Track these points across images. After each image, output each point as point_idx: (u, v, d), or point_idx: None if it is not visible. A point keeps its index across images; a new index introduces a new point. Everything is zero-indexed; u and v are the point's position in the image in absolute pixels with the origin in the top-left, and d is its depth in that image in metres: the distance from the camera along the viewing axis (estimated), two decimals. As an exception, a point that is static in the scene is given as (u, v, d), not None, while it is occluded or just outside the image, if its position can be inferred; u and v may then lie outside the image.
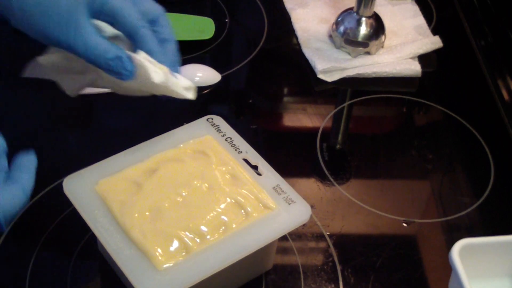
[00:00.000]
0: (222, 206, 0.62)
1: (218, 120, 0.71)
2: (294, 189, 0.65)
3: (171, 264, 0.58)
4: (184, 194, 0.63)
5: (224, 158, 0.67)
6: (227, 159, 0.67)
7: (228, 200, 0.63)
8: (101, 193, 0.63)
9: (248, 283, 0.68)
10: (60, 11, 0.61)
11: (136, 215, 0.61)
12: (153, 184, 0.63)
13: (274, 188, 0.65)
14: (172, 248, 0.59)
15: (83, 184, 0.63)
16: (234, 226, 0.61)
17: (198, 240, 0.60)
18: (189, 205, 0.62)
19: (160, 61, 0.65)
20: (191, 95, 0.68)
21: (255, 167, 0.67)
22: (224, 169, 0.66)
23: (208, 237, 0.60)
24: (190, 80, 0.89)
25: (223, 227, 0.61)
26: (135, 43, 0.65)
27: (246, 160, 0.67)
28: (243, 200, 0.63)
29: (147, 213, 0.61)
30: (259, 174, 0.66)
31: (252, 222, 0.61)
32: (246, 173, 0.66)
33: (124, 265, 0.57)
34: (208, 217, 0.61)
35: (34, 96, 0.85)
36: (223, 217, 0.61)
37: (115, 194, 0.62)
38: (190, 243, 0.59)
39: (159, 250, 0.58)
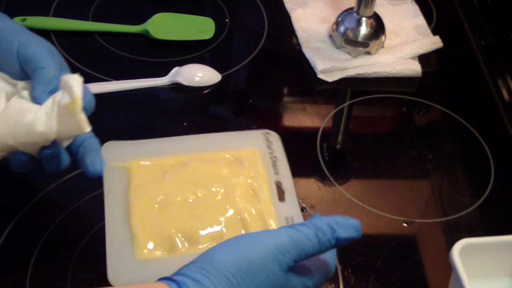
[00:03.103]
0: (227, 217, 0.61)
1: (274, 137, 0.69)
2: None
3: (150, 258, 0.58)
4: (199, 195, 0.63)
5: (256, 173, 0.66)
6: (259, 175, 0.66)
7: (234, 214, 0.62)
8: (131, 170, 0.64)
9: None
10: None
11: (145, 202, 0.61)
12: (176, 177, 0.64)
13: (286, 218, 0.63)
14: (160, 244, 0.59)
15: (119, 154, 0.64)
16: None
17: (187, 245, 0.59)
18: (197, 207, 0.62)
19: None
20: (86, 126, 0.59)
21: (282, 192, 0.65)
22: (250, 182, 0.65)
23: (200, 246, 0.59)
24: (190, 80, 0.90)
25: (219, 239, 0.60)
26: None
27: (278, 183, 0.66)
28: (248, 219, 0.62)
29: (156, 205, 0.61)
30: (283, 200, 0.65)
31: None
32: (268, 194, 0.64)
33: (110, 241, 0.58)
34: (208, 224, 0.61)
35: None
36: (223, 229, 0.61)
37: (141, 175, 0.63)
38: (179, 245, 0.59)
39: (148, 242, 0.59)
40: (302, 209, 0.75)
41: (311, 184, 0.80)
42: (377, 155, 0.87)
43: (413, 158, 0.86)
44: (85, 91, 0.60)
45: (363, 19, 0.94)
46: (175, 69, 0.90)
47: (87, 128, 0.58)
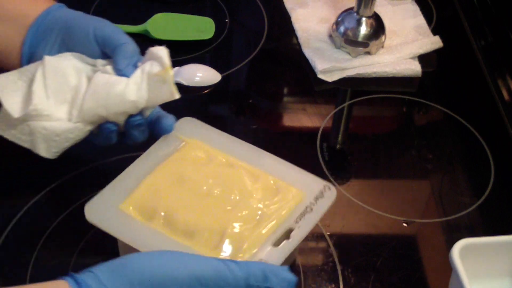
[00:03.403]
0: (212, 224, 0.61)
1: (330, 193, 0.65)
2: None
3: (129, 215, 0.61)
4: (215, 192, 0.63)
5: (278, 209, 0.63)
6: (279, 213, 0.63)
7: (221, 225, 0.61)
8: (186, 145, 0.66)
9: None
10: None
11: (169, 174, 0.64)
12: (212, 171, 0.65)
13: (260, 259, 0.60)
14: (142, 210, 0.61)
15: (187, 129, 0.67)
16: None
17: (162, 223, 0.61)
18: (201, 201, 0.62)
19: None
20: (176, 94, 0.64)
21: (282, 239, 0.61)
22: (265, 211, 0.63)
23: (174, 236, 0.60)
24: (190, 80, 0.90)
25: (189, 238, 0.60)
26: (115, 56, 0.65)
27: (288, 230, 0.62)
28: (226, 237, 0.60)
29: (173, 180, 0.63)
30: (277, 245, 0.61)
31: None
32: (268, 232, 0.61)
33: (115, 182, 0.63)
34: (194, 220, 0.61)
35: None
36: (201, 232, 0.60)
37: (190, 153, 0.66)
38: (156, 221, 0.61)
39: (138, 204, 0.61)
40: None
41: (311, 184, 0.80)
42: (377, 155, 0.87)
43: (413, 158, 0.86)
44: None
45: (363, 19, 0.94)
46: (175, 69, 0.90)
47: (178, 94, 0.63)
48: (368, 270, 0.71)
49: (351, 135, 0.90)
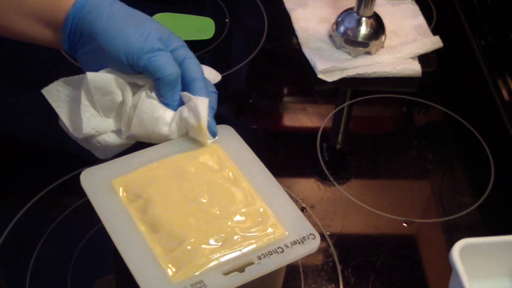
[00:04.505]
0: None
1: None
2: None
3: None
4: (203, 201, 0.62)
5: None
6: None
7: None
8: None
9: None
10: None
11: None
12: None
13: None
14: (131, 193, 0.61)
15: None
16: None
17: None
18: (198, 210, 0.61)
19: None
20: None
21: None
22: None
23: (154, 232, 0.59)
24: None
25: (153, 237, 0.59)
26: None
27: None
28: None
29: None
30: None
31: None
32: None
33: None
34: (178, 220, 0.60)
35: (37, 96, 0.85)
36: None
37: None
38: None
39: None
40: (302, 209, 0.76)
41: (311, 184, 0.80)
42: (377, 155, 0.87)
43: (413, 158, 0.86)
44: (211, 101, 0.68)
45: (363, 19, 0.94)
46: (175, 69, 0.90)
47: (208, 143, 0.66)
48: (368, 270, 0.71)
49: (351, 135, 0.90)
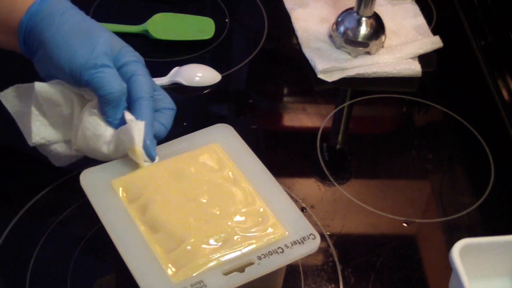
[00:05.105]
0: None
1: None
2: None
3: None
4: (203, 201, 0.62)
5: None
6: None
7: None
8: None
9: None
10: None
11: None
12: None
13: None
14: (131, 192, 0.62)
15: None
16: None
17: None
18: (198, 210, 0.61)
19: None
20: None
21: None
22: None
23: (154, 233, 0.60)
24: (190, 80, 0.90)
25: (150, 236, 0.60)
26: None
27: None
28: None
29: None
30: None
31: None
32: None
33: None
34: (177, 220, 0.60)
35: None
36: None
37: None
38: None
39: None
40: (302, 209, 0.76)
41: (311, 184, 0.80)
42: (377, 155, 0.87)
43: (413, 158, 0.86)
44: (162, 117, 0.66)
45: (363, 19, 0.94)
46: (175, 69, 0.90)
47: (144, 165, 0.64)
48: (368, 270, 0.71)
49: (351, 135, 0.90)
